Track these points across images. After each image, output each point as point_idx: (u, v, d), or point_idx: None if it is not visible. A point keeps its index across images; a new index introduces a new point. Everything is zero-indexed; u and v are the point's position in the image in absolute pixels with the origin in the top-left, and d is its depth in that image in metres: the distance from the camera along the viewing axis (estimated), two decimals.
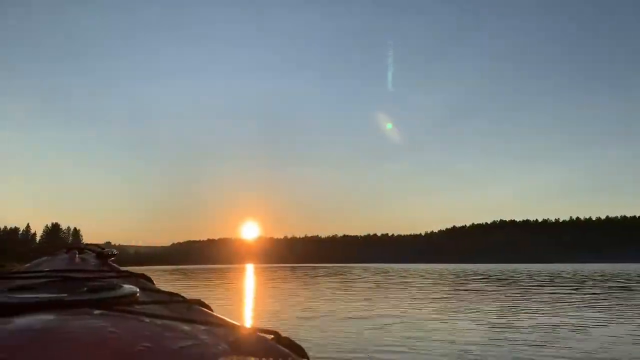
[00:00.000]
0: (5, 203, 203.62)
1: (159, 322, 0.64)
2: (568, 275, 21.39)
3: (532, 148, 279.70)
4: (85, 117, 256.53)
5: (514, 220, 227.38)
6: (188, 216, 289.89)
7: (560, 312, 6.60)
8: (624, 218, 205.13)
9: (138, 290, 0.85)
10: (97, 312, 0.66)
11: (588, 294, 10.43)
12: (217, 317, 0.78)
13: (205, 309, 0.85)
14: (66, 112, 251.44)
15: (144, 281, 1.15)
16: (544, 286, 13.45)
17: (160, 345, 0.55)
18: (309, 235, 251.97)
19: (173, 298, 0.91)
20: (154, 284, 1.17)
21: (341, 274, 24.42)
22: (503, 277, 19.59)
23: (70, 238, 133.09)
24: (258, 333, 0.66)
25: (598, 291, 11.24)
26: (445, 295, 10.13)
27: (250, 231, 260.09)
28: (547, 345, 4.19)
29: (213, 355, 0.54)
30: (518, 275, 21.63)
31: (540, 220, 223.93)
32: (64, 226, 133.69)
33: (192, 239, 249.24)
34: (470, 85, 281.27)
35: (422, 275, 21.95)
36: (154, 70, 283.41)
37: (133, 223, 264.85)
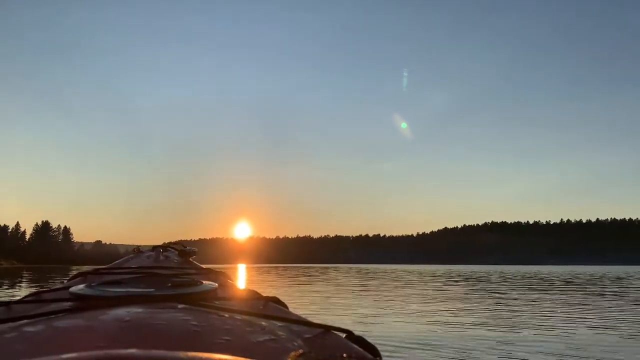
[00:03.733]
0: None
1: (237, 317, 0.69)
2: (554, 278, 21.63)
3: (524, 151, 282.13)
4: (77, 114, 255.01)
5: (505, 222, 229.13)
6: (180, 215, 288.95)
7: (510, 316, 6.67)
8: (614, 220, 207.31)
9: (217, 286, 0.91)
10: (180, 306, 0.72)
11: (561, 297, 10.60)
12: (292, 314, 0.81)
13: (280, 306, 0.88)
14: (57, 109, 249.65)
15: (222, 278, 1.21)
16: (514, 288, 13.63)
17: (239, 339, 0.59)
18: (301, 235, 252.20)
19: (250, 295, 0.95)
20: (232, 281, 1.24)
21: (311, 275, 24.53)
22: (484, 279, 19.79)
23: (61, 237, 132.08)
24: (332, 331, 0.68)
25: (573, 294, 11.43)
26: (395, 296, 10.31)
27: (242, 231, 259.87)
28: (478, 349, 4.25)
29: (289, 350, 0.56)
30: (496, 277, 21.88)
31: (531, 222, 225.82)
32: (54, 224, 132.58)
33: (183, 238, 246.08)
34: (465, 89, 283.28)
35: (397, 276, 22.14)
36: (147, 68, 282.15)
37: (124, 222, 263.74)
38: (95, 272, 1.23)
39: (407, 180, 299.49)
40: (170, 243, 1.81)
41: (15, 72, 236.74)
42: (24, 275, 26.84)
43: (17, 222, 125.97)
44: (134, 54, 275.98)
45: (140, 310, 0.66)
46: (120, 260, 1.60)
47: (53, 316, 0.66)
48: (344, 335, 0.68)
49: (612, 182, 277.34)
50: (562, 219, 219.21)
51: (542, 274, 27.11)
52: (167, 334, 0.57)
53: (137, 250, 1.77)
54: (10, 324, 0.63)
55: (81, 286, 0.86)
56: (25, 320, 0.64)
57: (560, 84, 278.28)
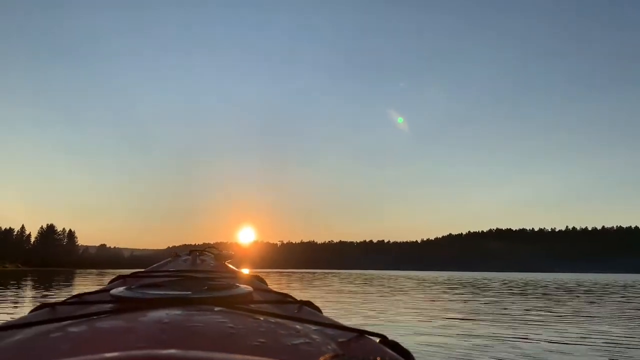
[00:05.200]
0: (0, 204, 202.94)
1: (272, 320, 0.70)
2: (559, 286, 21.49)
3: (530, 156, 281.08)
4: (81, 118, 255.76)
5: (510, 228, 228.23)
6: (184, 219, 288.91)
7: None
8: (620, 228, 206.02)
9: (252, 289, 0.94)
10: (217, 308, 0.74)
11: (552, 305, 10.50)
12: (326, 317, 0.82)
13: (314, 310, 0.89)
14: (62, 113, 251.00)
15: (257, 282, 1.23)
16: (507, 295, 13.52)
17: (274, 341, 0.60)
18: (305, 240, 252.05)
19: (285, 298, 0.97)
20: (266, 284, 1.26)
21: (306, 280, 24.50)
22: (485, 286, 19.69)
23: (65, 240, 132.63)
24: (366, 335, 0.70)
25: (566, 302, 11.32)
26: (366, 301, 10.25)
27: (246, 236, 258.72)
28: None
29: (323, 353, 0.57)
30: (498, 285, 21.76)
31: (536, 229, 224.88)
32: (59, 228, 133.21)
33: (187, 242, 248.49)
34: (468, 92, 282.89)
35: (396, 282, 22.06)
36: (152, 71, 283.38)
37: (129, 226, 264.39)
38: (134, 276, 1.28)
39: (411, 185, 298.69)
40: (206, 247, 1.87)
41: (19, 75, 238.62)
42: (29, 278, 26.94)
43: (22, 225, 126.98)
44: (137, 57, 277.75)
45: (178, 312, 0.68)
46: (158, 264, 1.65)
47: (95, 317, 0.69)
48: (378, 340, 0.68)
49: (618, 187, 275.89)
50: (567, 226, 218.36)
51: (546, 282, 26.97)
52: (204, 335, 0.59)
53: (175, 254, 1.82)
54: (56, 324, 0.66)
55: (121, 289, 0.90)
56: (69, 321, 0.67)
57: (565, 85, 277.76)
